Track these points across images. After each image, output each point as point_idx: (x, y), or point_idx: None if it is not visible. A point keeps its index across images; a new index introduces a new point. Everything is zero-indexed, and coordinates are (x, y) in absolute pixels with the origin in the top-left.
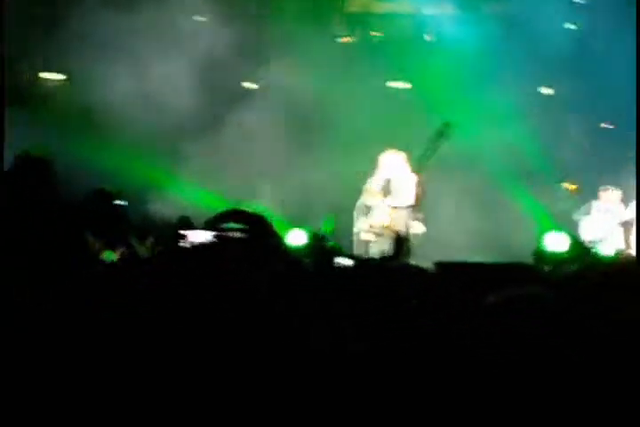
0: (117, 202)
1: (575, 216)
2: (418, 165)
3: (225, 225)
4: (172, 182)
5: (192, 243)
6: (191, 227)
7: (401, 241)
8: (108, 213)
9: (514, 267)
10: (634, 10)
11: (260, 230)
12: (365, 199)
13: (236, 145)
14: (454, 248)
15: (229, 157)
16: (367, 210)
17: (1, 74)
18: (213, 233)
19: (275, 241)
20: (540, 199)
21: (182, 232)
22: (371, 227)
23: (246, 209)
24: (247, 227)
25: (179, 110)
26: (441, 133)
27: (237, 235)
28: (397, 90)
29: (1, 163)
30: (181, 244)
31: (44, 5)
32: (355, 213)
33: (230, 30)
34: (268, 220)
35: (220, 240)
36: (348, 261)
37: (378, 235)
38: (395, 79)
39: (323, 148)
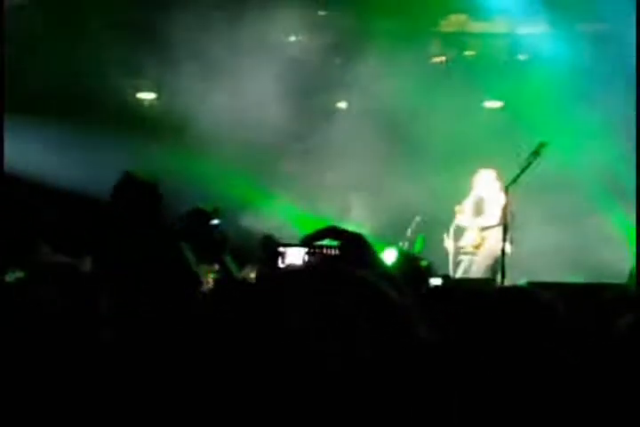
0: (214, 221)
1: None
2: (509, 184)
3: (322, 242)
4: (266, 201)
5: (290, 264)
6: (275, 245)
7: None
8: (204, 232)
9: (610, 287)
10: None
11: (357, 248)
12: (457, 219)
13: (328, 163)
14: (544, 268)
15: (322, 176)
16: (459, 230)
17: (1, 74)
18: (309, 250)
19: (373, 259)
20: (633, 219)
21: (280, 249)
22: (461, 247)
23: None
24: (344, 244)
25: (273, 129)
26: (537, 153)
27: (334, 252)
28: (491, 109)
29: (1, 164)
30: (279, 264)
31: (145, 26)
32: (447, 233)
33: (326, 48)
34: (366, 238)
35: (318, 260)
36: (438, 281)
37: (468, 254)
38: (489, 98)
39: (415, 167)
